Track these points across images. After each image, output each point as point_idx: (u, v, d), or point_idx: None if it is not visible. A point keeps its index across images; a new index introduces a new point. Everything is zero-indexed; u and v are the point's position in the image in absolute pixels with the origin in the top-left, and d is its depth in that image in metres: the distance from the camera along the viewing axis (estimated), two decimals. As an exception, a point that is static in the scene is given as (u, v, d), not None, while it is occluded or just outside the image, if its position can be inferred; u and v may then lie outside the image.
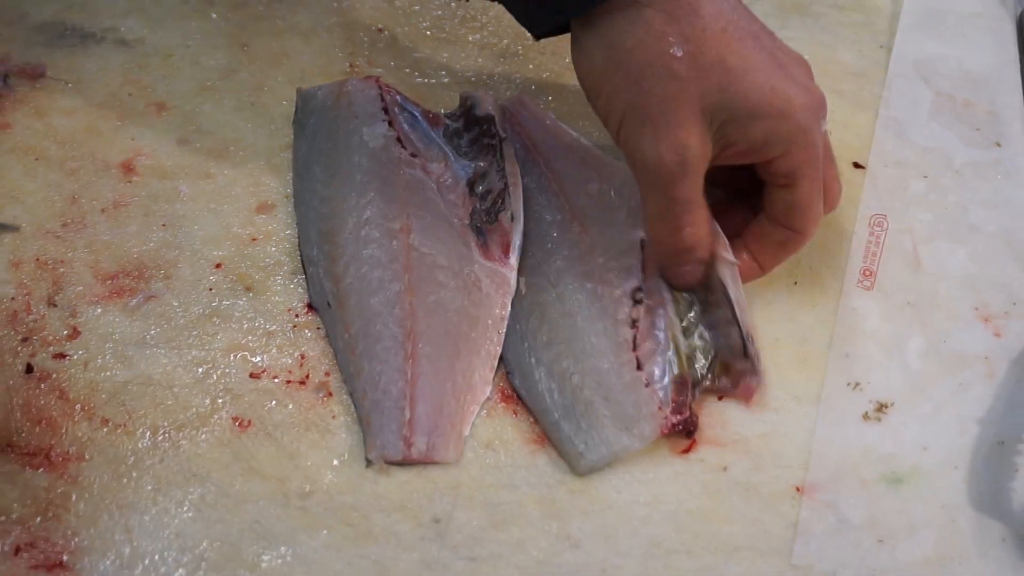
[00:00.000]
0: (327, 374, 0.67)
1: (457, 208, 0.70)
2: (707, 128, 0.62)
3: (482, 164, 0.72)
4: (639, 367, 0.64)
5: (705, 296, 0.67)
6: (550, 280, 0.68)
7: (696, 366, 0.66)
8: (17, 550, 0.59)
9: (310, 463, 0.63)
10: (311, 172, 0.72)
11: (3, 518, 0.60)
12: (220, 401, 0.65)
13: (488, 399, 0.66)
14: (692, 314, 0.67)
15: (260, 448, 0.63)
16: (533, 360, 0.66)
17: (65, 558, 0.59)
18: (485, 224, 0.69)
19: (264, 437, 0.64)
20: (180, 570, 0.60)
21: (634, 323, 0.66)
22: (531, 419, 0.66)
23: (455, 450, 0.64)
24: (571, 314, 0.66)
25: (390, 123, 0.72)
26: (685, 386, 0.64)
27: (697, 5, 0.61)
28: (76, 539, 0.60)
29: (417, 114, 0.74)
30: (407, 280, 0.67)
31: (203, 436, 0.64)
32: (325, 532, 0.61)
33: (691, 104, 0.61)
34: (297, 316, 0.69)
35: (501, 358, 0.67)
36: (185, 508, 0.61)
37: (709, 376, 0.66)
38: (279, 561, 0.60)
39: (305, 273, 0.70)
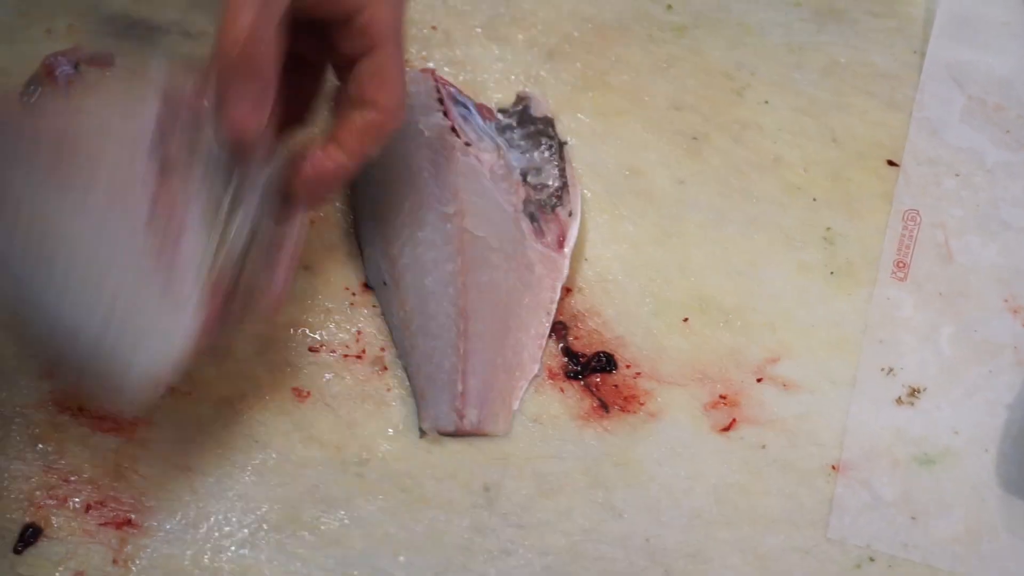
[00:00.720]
0: (382, 349, 0.70)
1: (510, 195, 0.73)
2: None
3: (536, 158, 0.75)
4: None
5: None
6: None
7: None
8: (88, 508, 0.62)
9: (366, 432, 0.66)
10: (367, 158, 0.75)
11: (75, 478, 0.63)
12: (281, 373, 0.68)
13: (536, 376, 0.69)
14: None
15: (319, 417, 0.66)
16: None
17: (133, 516, 0.62)
18: (539, 211, 0.72)
19: (322, 407, 0.67)
20: (244, 530, 0.63)
21: None
22: (578, 395, 0.68)
23: (504, 423, 0.67)
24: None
25: (445, 113, 0.75)
26: None
27: None
28: (144, 499, 0.63)
29: (471, 107, 0.77)
30: (460, 261, 0.70)
31: (264, 405, 0.67)
32: (381, 497, 0.64)
33: None
34: (354, 295, 0.72)
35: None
36: (247, 472, 0.64)
37: None
38: (336, 523, 0.63)
39: (361, 254, 0.73)
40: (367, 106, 0.62)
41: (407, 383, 0.68)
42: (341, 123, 0.63)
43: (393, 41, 0.62)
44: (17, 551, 0.61)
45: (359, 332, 0.70)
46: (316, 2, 0.60)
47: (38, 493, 0.63)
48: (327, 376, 0.68)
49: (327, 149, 0.62)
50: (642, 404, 0.68)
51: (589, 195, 0.76)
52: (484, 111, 0.78)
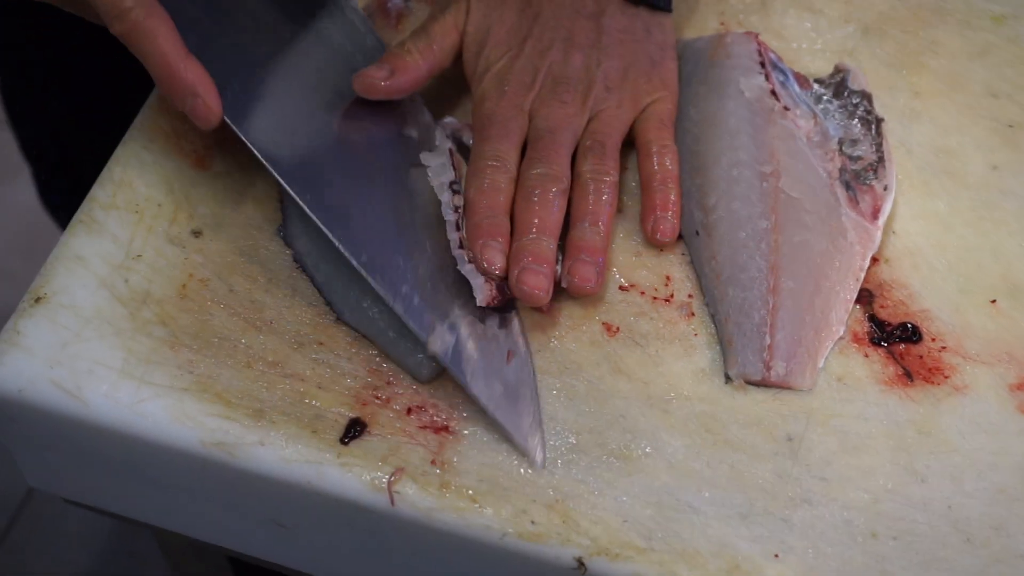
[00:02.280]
0: (690, 296, 0.71)
1: (826, 162, 0.74)
2: None
3: (852, 130, 0.76)
4: (461, 245, 0.70)
5: None
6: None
7: None
8: (409, 411, 0.66)
9: (673, 371, 0.68)
10: (685, 112, 0.77)
11: (397, 381, 0.67)
12: (592, 307, 0.70)
13: (841, 338, 0.70)
14: None
15: (627, 352, 0.69)
16: (357, 290, 0.69)
17: (451, 424, 0.65)
18: (855, 181, 0.73)
19: (631, 344, 0.69)
20: (550, 450, 0.65)
21: (456, 209, 0.71)
22: (882, 360, 0.69)
23: (810, 377, 0.68)
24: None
25: (766, 77, 0.77)
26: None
27: None
28: (459, 410, 0.66)
29: (789, 74, 0.78)
30: (774, 219, 0.71)
31: (576, 336, 0.69)
32: (685, 435, 0.66)
33: None
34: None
35: (330, 305, 0.70)
36: (558, 394, 0.67)
37: None
38: (641, 452, 0.65)
39: (675, 203, 0.75)
40: None
41: (714, 330, 0.70)
42: None
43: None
44: (344, 442, 0.64)
45: (668, 277, 0.72)
46: None
47: (364, 392, 0.66)
48: (636, 315, 0.70)
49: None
50: (947, 377, 0.68)
51: (898, 173, 0.76)
52: (801, 80, 0.79)
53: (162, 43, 0.65)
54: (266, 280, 0.70)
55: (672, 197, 0.73)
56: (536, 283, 0.67)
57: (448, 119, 0.77)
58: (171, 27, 0.66)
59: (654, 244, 0.73)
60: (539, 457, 0.64)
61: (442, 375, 0.66)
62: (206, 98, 0.67)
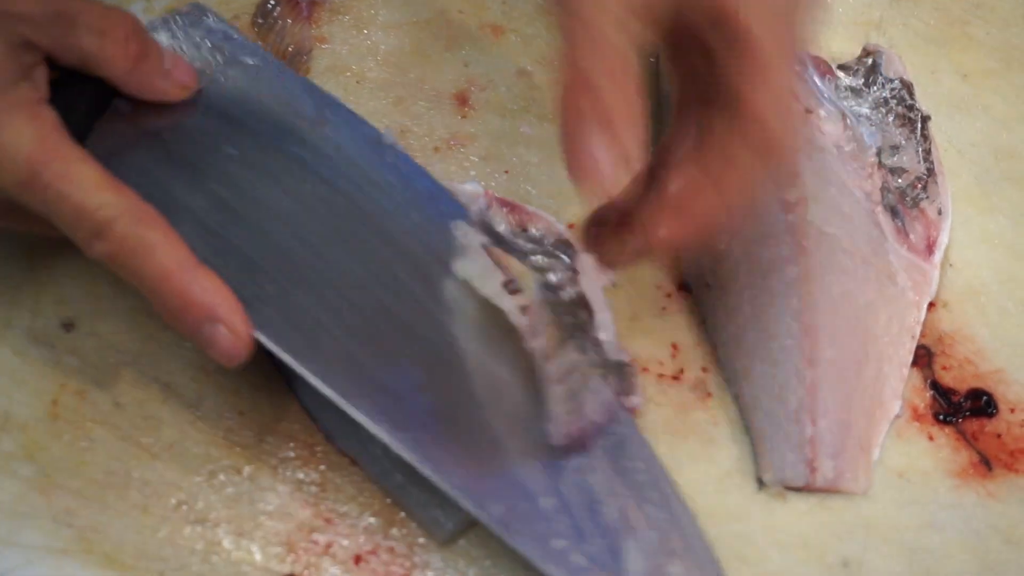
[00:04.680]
0: (704, 370, 0.57)
1: (863, 181, 0.59)
2: None
3: (892, 132, 0.60)
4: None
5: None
6: None
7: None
8: (358, 559, 0.51)
9: (690, 478, 0.53)
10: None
11: (342, 524, 0.52)
12: (581, 393, 0.55)
13: (898, 416, 0.55)
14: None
15: (631, 455, 0.54)
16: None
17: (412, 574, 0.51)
18: (901, 204, 0.58)
19: (635, 442, 0.54)
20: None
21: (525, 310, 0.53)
22: (951, 444, 0.55)
23: (865, 478, 0.53)
24: None
25: (780, 70, 0.61)
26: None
27: None
28: (421, 551, 0.51)
29: (806, 60, 0.62)
30: (805, 264, 0.56)
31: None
32: (713, 566, 0.51)
33: None
34: (668, 296, 0.58)
35: (314, 419, 0.54)
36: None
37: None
38: (660, 597, 0.50)
39: (676, 245, 0.59)
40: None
41: (737, 415, 0.55)
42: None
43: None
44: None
45: (675, 346, 0.57)
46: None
47: (297, 535, 0.52)
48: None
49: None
50: (1033, 462, 0.54)
51: (949, 183, 0.61)
52: (822, 67, 0.63)
53: (162, 257, 0.48)
54: (162, 387, 0.54)
55: None
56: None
57: (465, 186, 0.58)
58: (171, 233, 0.49)
59: None
60: None
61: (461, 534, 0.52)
62: (230, 321, 0.49)
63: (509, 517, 0.48)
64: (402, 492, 0.51)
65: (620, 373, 0.53)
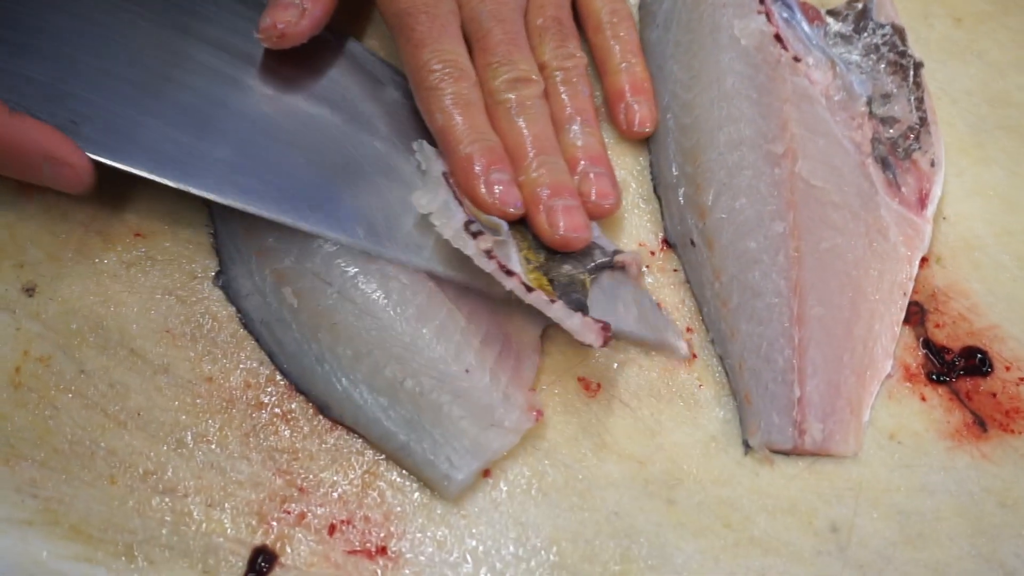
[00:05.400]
0: (689, 330, 0.55)
1: (853, 131, 0.56)
2: None
3: (883, 81, 0.58)
4: (528, 287, 0.50)
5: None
6: (323, 278, 0.52)
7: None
8: (332, 528, 0.50)
9: (674, 442, 0.52)
10: (667, 71, 0.59)
11: (315, 493, 0.50)
12: (561, 356, 0.53)
13: (889, 375, 0.53)
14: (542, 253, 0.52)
15: (613, 419, 0.52)
16: (345, 382, 0.51)
17: (388, 544, 0.49)
18: (893, 156, 0.56)
19: (617, 406, 0.52)
20: (523, 566, 0.49)
21: (490, 254, 0.50)
22: (945, 404, 0.53)
23: (855, 440, 0.52)
24: (370, 310, 0.51)
25: (767, 15, 0.58)
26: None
27: None
28: (397, 521, 0.50)
29: (795, 7, 0.60)
30: (792, 219, 0.54)
31: (545, 400, 0.52)
32: (698, 534, 0.50)
33: None
34: (652, 254, 0.56)
35: (304, 393, 0.52)
36: (526, 488, 0.50)
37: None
38: (644, 565, 0.49)
39: (660, 200, 0.57)
40: None
41: (723, 377, 0.53)
42: None
43: None
44: (254, 584, 0.48)
45: (659, 304, 0.55)
46: None
47: (269, 505, 0.50)
48: (620, 364, 0.53)
49: None
50: (1029, 421, 0.53)
51: (943, 132, 0.59)
52: (810, 13, 0.61)
53: None
54: (128, 352, 0.52)
55: (640, 72, 0.58)
56: (575, 222, 0.52)
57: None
58: None
59: (631, 137, 0.58)
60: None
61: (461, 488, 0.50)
62: (64, 153, 0.50)
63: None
64: (406, 452, 0.50)
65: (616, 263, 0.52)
